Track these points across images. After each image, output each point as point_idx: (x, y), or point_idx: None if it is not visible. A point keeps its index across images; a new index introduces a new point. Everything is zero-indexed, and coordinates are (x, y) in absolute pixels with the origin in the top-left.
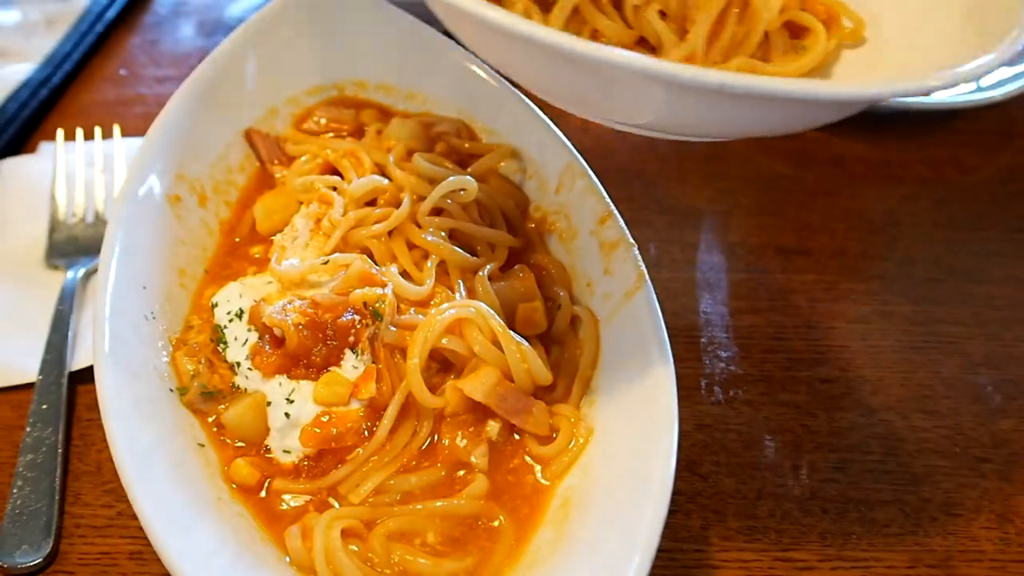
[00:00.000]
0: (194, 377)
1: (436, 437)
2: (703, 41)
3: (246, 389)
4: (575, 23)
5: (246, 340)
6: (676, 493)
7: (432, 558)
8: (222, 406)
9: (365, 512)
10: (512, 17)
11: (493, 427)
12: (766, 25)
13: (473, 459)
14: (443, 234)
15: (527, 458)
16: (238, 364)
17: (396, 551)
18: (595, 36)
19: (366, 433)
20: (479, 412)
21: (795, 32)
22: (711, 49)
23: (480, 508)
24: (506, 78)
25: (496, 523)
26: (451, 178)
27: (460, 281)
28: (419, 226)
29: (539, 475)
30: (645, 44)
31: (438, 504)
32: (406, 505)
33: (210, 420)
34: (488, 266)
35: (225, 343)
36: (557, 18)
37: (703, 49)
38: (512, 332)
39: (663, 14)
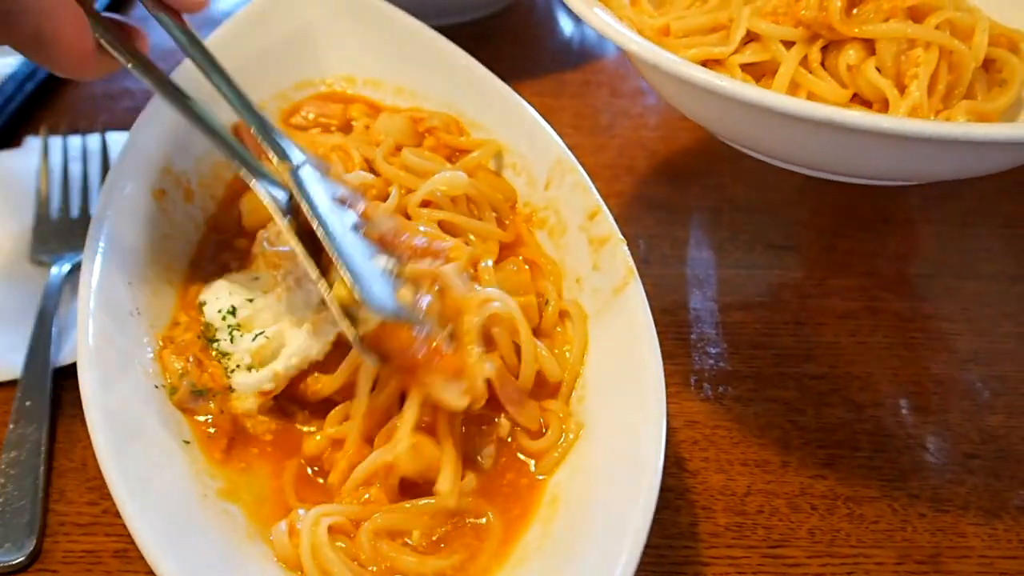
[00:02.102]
0: (183, 376)
1: None
2: (924, 93)
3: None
4: (791, 89)
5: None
6: (665, 490)
7: (418, 555)
8: (212, 404)
9: (352, 510)
10: (766, 93)
11: (504, 425)
12: (972, 70)
13: (479, 459)
14: (435, 226)
15: (519, 455)
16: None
17: (383, 548)
18: (810, 98)
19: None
20: (489, 405)
21: (985, 65)
22: (932, 98)
23: (468, 505)
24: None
25: (483, 520)
26: (442, 173)
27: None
28: (408, 218)
29: (531, 470)
30: (857, 100)
31: (423, 502)
32: (393, 503)
33: (200, 419)
34: (490, 259)
35: (217, 341)
36: (779, 89)
37: (925, 100)
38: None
39: (877, 71)
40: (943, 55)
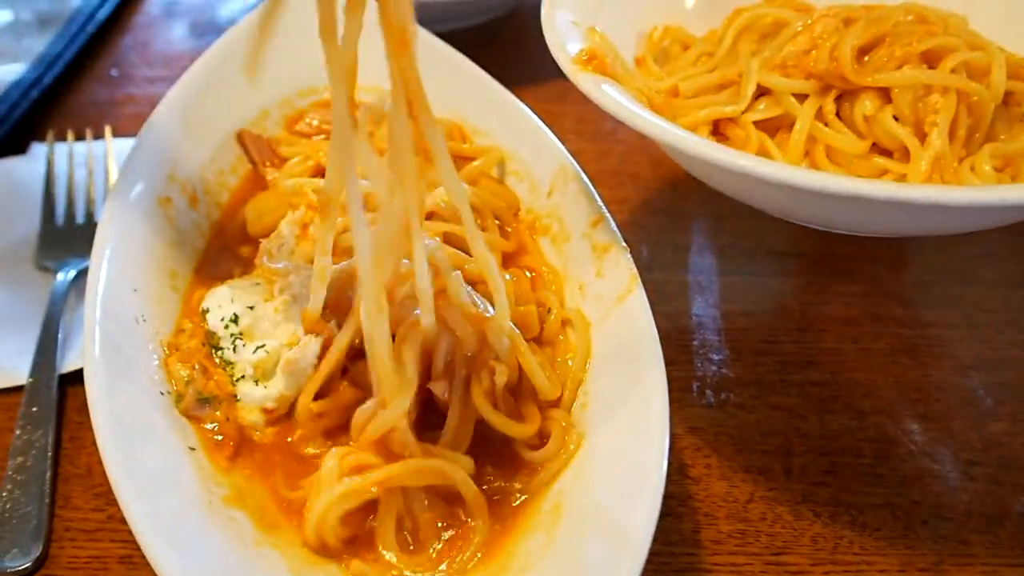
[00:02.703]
0: (189, 383)
1: None
2: (946, 140)
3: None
4: (808, 143)
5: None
6: (668, 496)
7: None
8: (217, 412)
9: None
10: (781, 166)
11: (501, 372)
12: (992, 111)
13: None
14: (437, 238)
15: (519, 460)
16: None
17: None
18: (829, 152)
19: None
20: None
21: (1004, 99)
22: (954, 144)
23: (465, 486)
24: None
25: (471, 523)
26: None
27: None
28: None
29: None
30: (876, 149)
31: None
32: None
33: (206, 427)
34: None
35: (221, 349)
36: (796, 145)
37: (947, 147)
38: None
39: (895, 119)
40: (961, 98)
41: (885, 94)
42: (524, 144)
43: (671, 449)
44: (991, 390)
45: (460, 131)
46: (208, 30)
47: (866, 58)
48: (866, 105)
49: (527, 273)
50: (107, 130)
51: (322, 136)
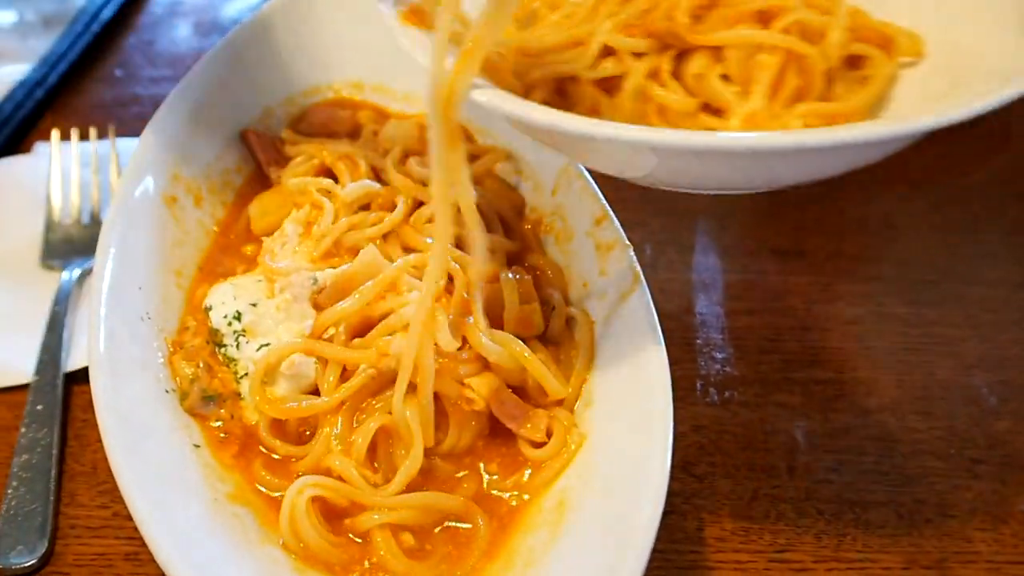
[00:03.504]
0: (193, 381)
1: None
2: (764, 98)
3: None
4: (640, 101)
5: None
6: (672, 494)
7: (407, 561)
8: (222, 410)
9: (342, 487)
10: (580, 120)
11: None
12: (822, 72)
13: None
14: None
15: (521, 458)
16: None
17: (383, 545)
18: (661, 110)
19: None
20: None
21: (854, 62)
22: (774, 103)
23: (459, 506)
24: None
25: (470, 526)
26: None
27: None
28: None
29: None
30: (709, 109)
31: (421, 496)
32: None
33: (211, 424)
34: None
35: (225, 346)
36: (624, 101)
37: (765, 105)
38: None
39: (726, 78)
40: (791, 58)
41: (718, 53)
42: (528, 143)
43: (675, 447)
44: (995, 389)
45: (464, 130)
46: (212, 30)
47: (704, 17)
48: (697, 63)
49: (527, 275)
50: (111, 130)
51: (326, 135)
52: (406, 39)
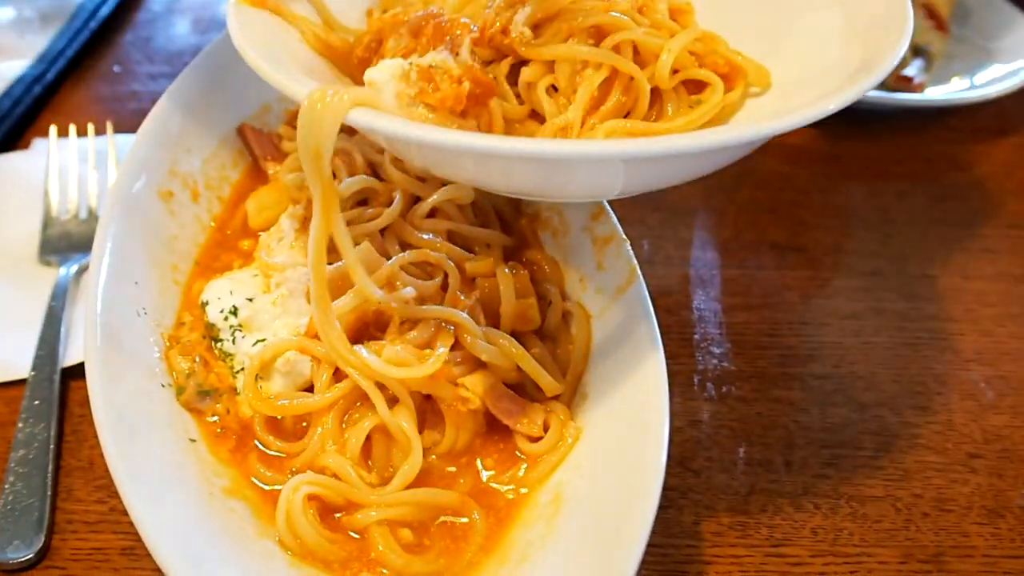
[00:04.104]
0: (189, 376)
1: None
2: (581, 110)
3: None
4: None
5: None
6: (668, 488)
7: (406, 556)
8: (218, 404)
9: (337, 485)
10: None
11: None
12: (648, 91)
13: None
14: (442, 236)
15: (517, 452)
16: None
17: (381, 540)
18: (506, 117)
19: None
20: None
21: (699, 88)
22: (592, 115)
23: (455, 501)
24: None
25: (466, 520)
26: (448, 186)
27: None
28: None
29: (524, 474)
30: (537, 117)
31: (416, 492)
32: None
33: (208, 419)
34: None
35: (221, 341)
36: (444, 103)
37: (580, 118)
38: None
39: (555, 89)
40: (617, 76)
41: (551, 65)
42: None
43: (672, 442)
44: (992, 383)
45: None
46: (210, 26)
47: (541, 27)
48: (529, 73)
49: (523, 270)
50: (109, 126)
51: None
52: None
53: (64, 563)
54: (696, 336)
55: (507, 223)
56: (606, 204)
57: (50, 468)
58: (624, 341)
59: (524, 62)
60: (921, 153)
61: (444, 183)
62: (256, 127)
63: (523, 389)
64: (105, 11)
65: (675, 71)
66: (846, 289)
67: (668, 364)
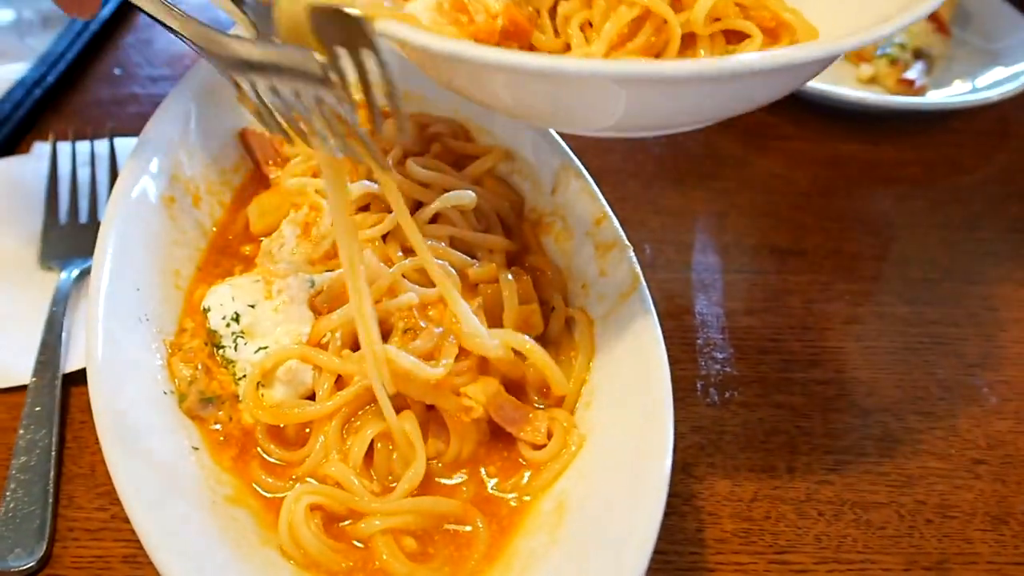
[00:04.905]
0: (192, 383)
1: None
2: (605, 45)
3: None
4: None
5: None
6: (671, 495)
7: (410, 565)
8: (220, 412)
9: (340, 494)
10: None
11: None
12: (679, 34)
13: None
14: (443, 243)
15: (521, 460)
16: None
17: (385, 549)
18: (532, 48)
19: None
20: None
21: (740, 39)
22: (618, 51)
23: (457, 509)
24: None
25: (469, 528)
26: (451, 193)
27: None
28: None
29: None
30: (570, 50)
31: (419, 500)
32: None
33: (211, 427)
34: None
35: (223, 347)
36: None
37: (603, 52)
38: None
39: (590, 25)
40: (650, 16)
41: (589, 1)
42: (527, 142)
43: (675, 448)
44: (996, 388)
45: (463, 130)
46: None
47: None
48: (566, 6)
49: (525, 275)
50: (109, 129)
51: None
52: None
53: (65, 571)
54: (698, 341)
55: (509, 228)
56: (608, 209)
57: (51, 475)
58: (627, 347)
59: None
60: (922, 156)
61: (446, 189)
62: (258, 131)
63: (524, 394)
64: (105, 13)
65: (716, 19)
66: (848, 293)
67: (671, 369)
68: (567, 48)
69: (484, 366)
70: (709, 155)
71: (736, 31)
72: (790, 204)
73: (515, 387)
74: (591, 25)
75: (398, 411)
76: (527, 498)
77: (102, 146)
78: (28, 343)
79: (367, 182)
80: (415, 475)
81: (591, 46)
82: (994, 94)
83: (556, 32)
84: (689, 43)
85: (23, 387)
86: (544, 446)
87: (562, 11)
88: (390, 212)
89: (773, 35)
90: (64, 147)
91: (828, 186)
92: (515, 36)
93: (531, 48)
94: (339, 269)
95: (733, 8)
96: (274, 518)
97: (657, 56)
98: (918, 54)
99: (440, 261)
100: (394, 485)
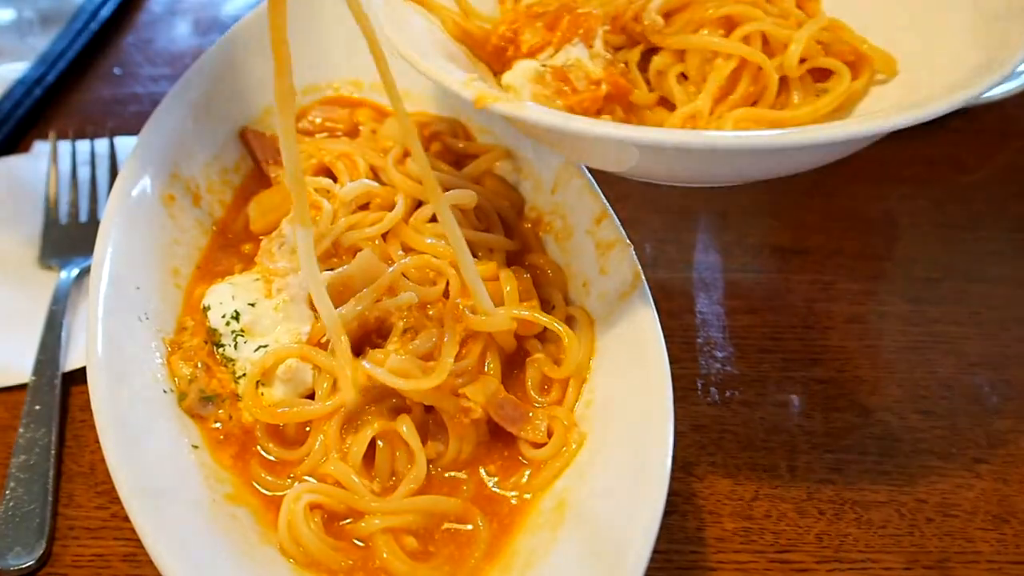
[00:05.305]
0: (192, 382)
1: None
2: (710, 99)
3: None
4: None
5: None
6: (672, 494)
7: (411, 564)
8: (220, 410)
9: (340, 493)
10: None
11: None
12: (776, 81)
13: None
14: (444, 240)
15: (521, 458)
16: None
17: (385, 548)
18: (626, 104)
19: None
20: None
21: (824, 75)
22: (721, 105)
23: (458, 507)
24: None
25: (470, 527)
26: (451, 192)
27: None
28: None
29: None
30: (666, 104)
31: (420, 499)
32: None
33: (211, 425)
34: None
35: (223, 346)
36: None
37: (709, 105)
38: None
39: (684, 77)
40: (746, 65)
41: (681, 53)
42: (527, 141)
43: (675, 447)
44: (997, 387)
45: (464, 129)
46: (211, 28)
47: (671, 19)
48: (660, 61)
49: (525, 273)
50: (109, 129)
51: (325, 134)
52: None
53: (65, 569)
54: (699, 340)
55: (510, 227)
56: (609, 208)
57: (51, 474)
58: (628, 346)
59: (655, 50)
60: (924, 156)
61: (447, 188)
62: (258, 130)
63: (523, 393)
64: (106, 12)
65: (802, 60)
66: (849, 292)
67: (671, 368)
68: (662, 101)
69: (482, 366)
70: None
71: (820, 68)
72: (792, 203)
73: (514, 388)
74: (685, 77)
75: (398, 412)
76: (528, 496)
77: (102, 145)
78: (28, 342)
79: (366, 180)
80: (417, 474)
81: (696, 101)
82: (996, 94)
83: (648, 85)
84: (781, 86)
85: (23, 386)
86: (544, 444)
87: (655, 65)
88: (389, 211)
89: (854, 68)
90: (64, 146)
91: (830, 185)
92: (616, 98)
93: (629, 105)
94: (339, 268)
95: (816, 47)
96: (274, 516)
97: (754, 104)
98: None
99: (439, 261)
100: (395, 484)
